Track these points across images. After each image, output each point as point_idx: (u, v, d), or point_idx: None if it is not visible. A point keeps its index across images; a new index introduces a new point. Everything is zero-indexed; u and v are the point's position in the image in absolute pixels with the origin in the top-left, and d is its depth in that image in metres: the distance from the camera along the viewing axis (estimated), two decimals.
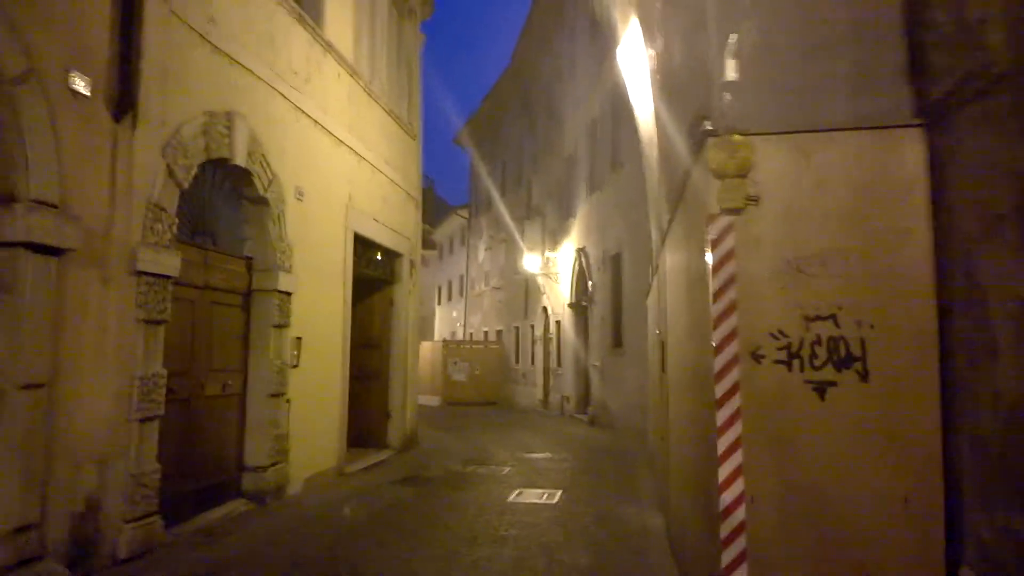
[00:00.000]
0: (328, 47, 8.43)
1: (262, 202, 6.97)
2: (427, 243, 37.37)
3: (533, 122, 23.85)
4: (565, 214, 20.08)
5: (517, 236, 23.08)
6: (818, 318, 3.18)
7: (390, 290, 11.07)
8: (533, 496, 8.30)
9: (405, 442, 11.21)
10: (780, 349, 3.21)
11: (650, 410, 9.74)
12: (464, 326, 30.80)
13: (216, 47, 6.24)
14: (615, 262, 15.72)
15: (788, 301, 3.20)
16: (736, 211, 3.23)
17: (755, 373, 3.22)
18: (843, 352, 3.16)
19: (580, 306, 18.36)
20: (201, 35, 6.05)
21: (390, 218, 10.50)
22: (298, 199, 7.58)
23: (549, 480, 9.32)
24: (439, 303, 36.31)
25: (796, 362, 3.19)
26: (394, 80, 11.02)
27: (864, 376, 3.15)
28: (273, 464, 7.18)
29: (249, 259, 7.12)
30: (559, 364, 20.20)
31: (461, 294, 31.81)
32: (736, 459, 3.18)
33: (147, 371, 5.23)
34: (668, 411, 6.23)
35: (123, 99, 5.04)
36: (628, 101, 13.57)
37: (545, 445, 13.09)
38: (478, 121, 28.31)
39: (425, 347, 27.01)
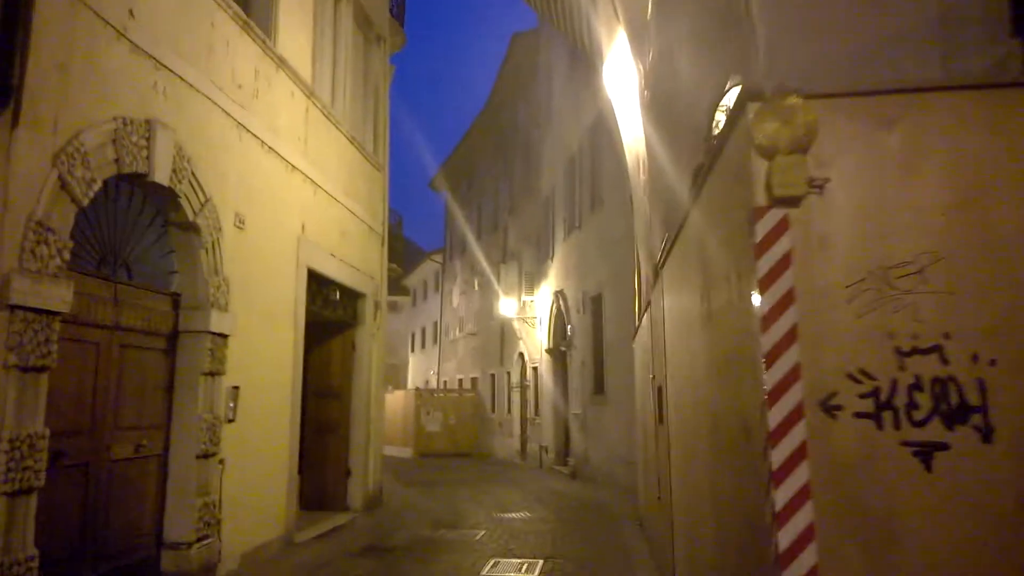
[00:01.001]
0: (281, 63, 7.50)
1: (192, 229, 5.90)
2: (400, 289, 36.23)
3: (509, 165, 23.16)
4: (542, 256, 19.19)
5: (493, 280, 22.12)
6: (917, 351, 2.20)
7: (351, 333, 9.95)
8: (511, 569, 7.11)
9: (368, 502, 9.95)
10: (864, 397, 2.20)
11: (641, 466, 8.66)
12: (438, 374, 29.51)
13: (136, 46, 5.25)
14: (595, 304, 14.77)
15: (872, 327, 2.22)
16: (794, 201, 2.27)
17: (828, 431, 2.21)
18: (955, 400, 2.18)
19: (559, 351, 17.32)
20: (117, 30, 5.07)
21: (351, 254, 9.47)
22: (238, 227, 6.53)
23: (528, 546, 8.14)
24: (412, 351, 35.01)
25: (888, 415, 2.19)
26: (358, 107, 10.13)
27: (986, 435, 2.15)
28: (201, 539, 5.95)
29: (176, 296, 6.01)
30: (537, 413, 19.03)
31: (435, 341, 30.61)
32: (807, 559, 2.15)
33: (19, 431, 4.07)
34: (670, 470, 5.18)
35: None
36: (611, 129, 12.82)
37: (523, 502, 11.87)
38: (453, 165, 27.60)
39: (397, 396, 25.67)
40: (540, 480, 15.51)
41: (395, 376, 35.63)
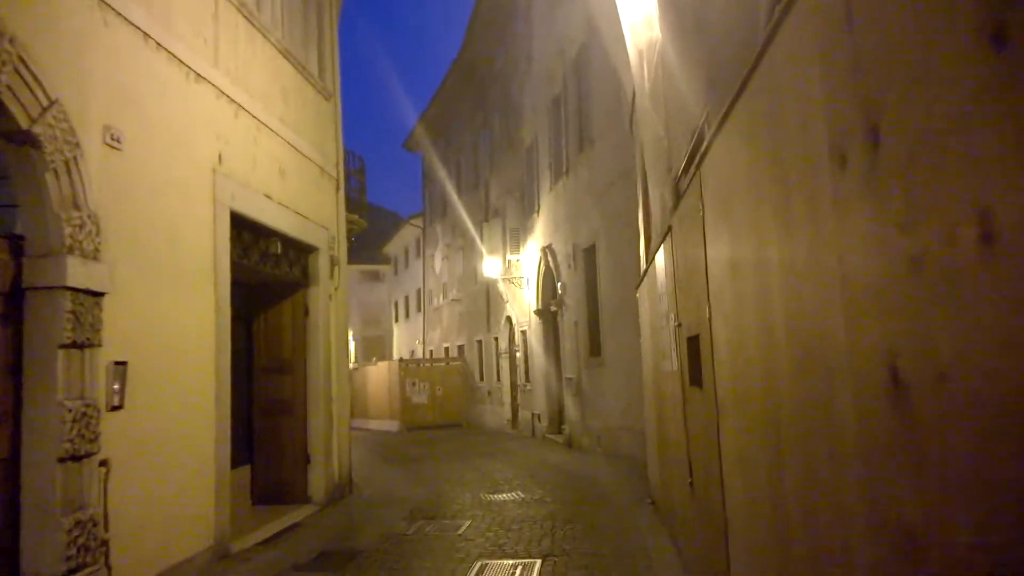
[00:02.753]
0: None
1: (28, 141, 4.10)
2: (381, 257, 34.34)
3: (488, 116, 21.24)
4: (527, 210, 17.42)
5: (477, 240, 20.34)
6: None
7: (303, 295, 8.20)
8: (501, 574, 5.53)
9: (333, 492, 8.31)
10: None
11: (654, 437, 7.04)
12: (424, 343, 27.85)
13: None
14: (588, 256, 13.08)
15: None
16: None
17: None
18: None
19: (548, 312, 15.66)
20: None
21: (296, 199, 7.68)
22: (111, 147, 4.72)
23: (523, 541, 6.54)
24: (396, 320, 33.26)
25: None
26: (298, 21, 8.23)
27: None
28: (75, 570, 4.27)
29: (16, 239, 4.24)
30: (527, 379, 17.44)
31: (419, 309, 28.89)
32: None
33: None
34: (719, 453, 3.54)
35: None
36: (602, 47, 10.95)
37: (516, 479, 10.29)
38: (429, 121, 25.58)
39: (380, 368, 24.02)
40: (533, 451, 13.96)
41: (380, 348, 33.95)
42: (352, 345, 37.81)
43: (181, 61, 5.57)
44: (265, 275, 7.43)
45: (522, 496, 8.88)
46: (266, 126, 7.01)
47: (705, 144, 3.42)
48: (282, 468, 7.95)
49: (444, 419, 21.41)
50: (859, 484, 1.66)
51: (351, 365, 34.92)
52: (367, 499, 8.92)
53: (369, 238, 39.25)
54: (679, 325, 4.75)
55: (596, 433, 12.59)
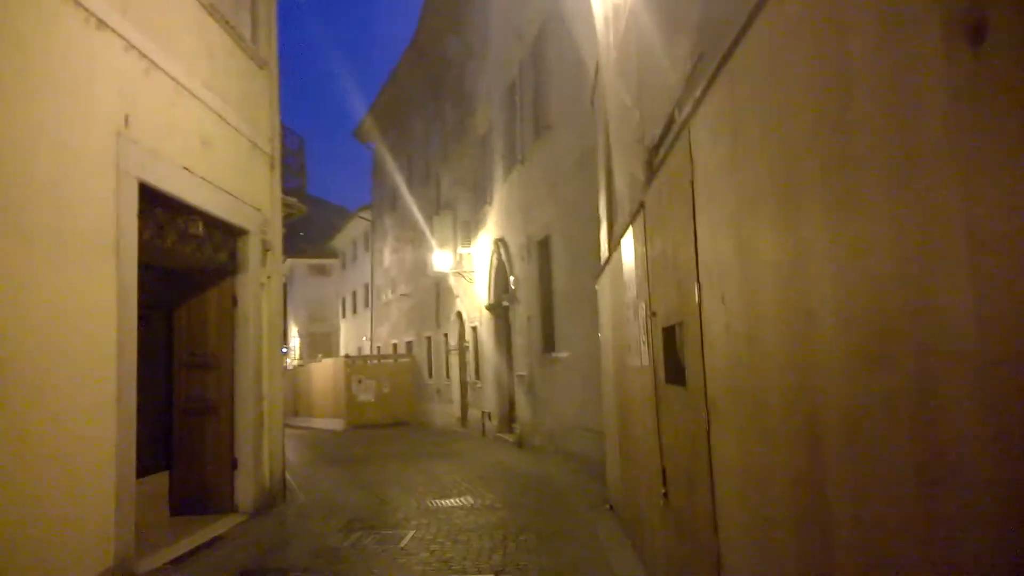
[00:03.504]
0: None
1: None
2: (327, 251, 33.19)
3: (440, 108, 20.46)
4: (480, 202, 16.74)
5: (427, 233, 19.55)
6: None
7: (230, 283, 7.34)
8: None
9: (263, 499, 7.48)
10: None
11: (614, 437, 6.45)
12: (371, 340, 26.90)
13: None
14: (542, 249, 12.48)
15: None
16: None
17: None
18: None
19: (500, 307, 15.02)
20: None
21: (222, 174, 6.83)
22: None
23: (472, 554, 5.87)
24: (344, 316, 32.14)
25: None
26: None
27: None
28: None
29: None
30: (478, 377, 16.78)
31: (367, 305, 27.90)
32: None
33: None
34: (709, 463, 2.94)
35: None
36: (564, 21, 10.37)
37: (465, 482, 9.61)
38: (380, 111, 24.65)
39: (325, 365, 23.03)
40: (483, 451, 13.30)
41: (326, 344, 32.80)
42: (297, 341, 36.50)
43: (78, 1, 4.70)
44: (186, 259, 6.56)
45: (471, 502, 8.21)
46: (186, 89, 6.16)
47: (699, 92, 2.81)
48: (205, 474, 7.09)
49: (391, 418, 20.58)
50: (976, 518, 1.05)
51: (295, 362, 33.73)
52: (302, 506, 8.11)
53: (316, 231, 38.05)
54: (652, 314, 4.16)
55: (549, 432, 12.01)
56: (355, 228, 29.27)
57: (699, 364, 3.01)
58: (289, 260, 36.48)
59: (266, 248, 7.79)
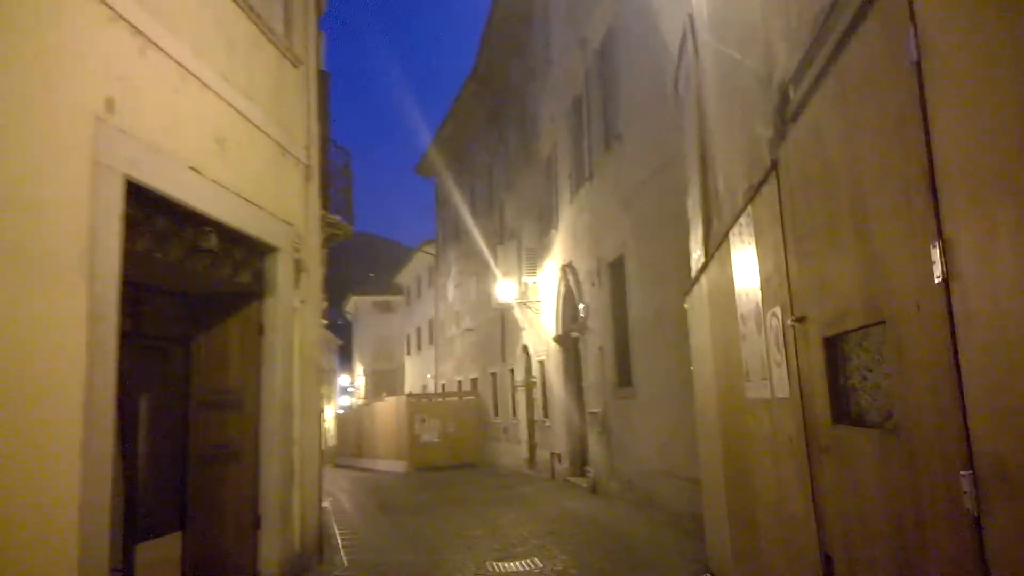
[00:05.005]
0: None
1: None
2: (391, 287, 32.55)
3: (503, 135, 19.53)
4: (545, 228, 15.54)
5: (491, 263, 18.43)
6: None
7: (256, 308, 6.28)
8: None
9: (293, 564, 6.26)
10: None
11: (725, 492, 4.93)
12: (436, 376, 25.83)
13: None
14: (615, 271, 11.11)
15: None
16: None
17: None
18: None
19: (569, 338, 13.64)
20: None
21: (242, 181, 5.82)
22: None
23: None
24: (409, 353, 31.26)
25: None
26: None
27: None
28: None
29: None
30: (546, 415, 15.35)
31: (431, 341, 26.94)
32: None
33: None
34: None
35: None
36: (639, 21, 9.07)
37: (533, 537, 8.17)
38: (442, 143, 23.98)
39: (388, 404, 22.02)
40: (553, 497, 11.81)
41: (392, 382, 31.93)
42: (363, 380, 35.83)
43: None
44: (198, 278, 5.53)
45: (539, 566, 6.78)
46: (195, 77, 5.18)
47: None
48: (223, 535, 5.94)
49: (456, 459, 19.27)
50: None
51: (359, 401, 32.92)
52: (343, 572, 6.84)
53: (382, 269, 37.64)
54: (798, 321, 2.76)
55: (626, 478, 10.46)
56: (419, 263, 28.53)
57: (942, 390, 1.61)
58: (353, 297, 36.17)
59: (300, 268, 6.73)
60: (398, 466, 19.84)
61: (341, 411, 31.13)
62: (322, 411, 8.25)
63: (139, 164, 4.52)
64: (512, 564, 6.89)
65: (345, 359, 38.95)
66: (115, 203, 4.29)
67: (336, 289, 38.43)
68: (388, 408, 21.70)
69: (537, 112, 16.21)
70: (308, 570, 6.42)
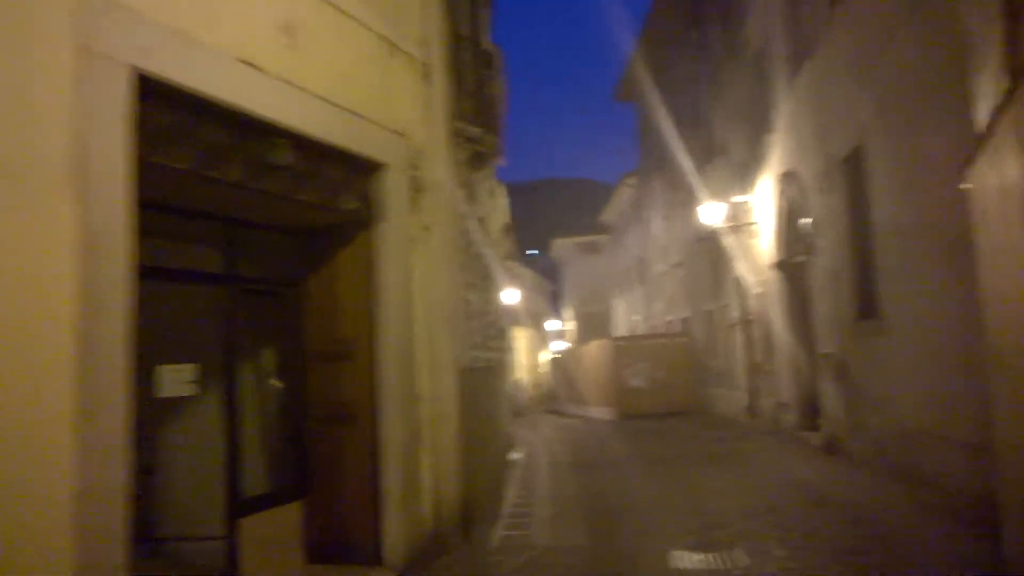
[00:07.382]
0: None
1: None
2: (596, 227, 31.01)
3: (705, 35, 16.83)
4: (757, 134, 12.92)
5: (698, 187, 16.09)
6: None
7: (364, 241, 5.16)
8: None
9: (423, 546, 5.16)
10: None
11: None
12: (648, 317, 24.08)
13: None
14: (851, 169, 8.49)
15: None
16: None
17: None
18: None
19: (792, 264, 11.17)
20: None
21: (326, 82, 4.60)
22: None
23: None
24: (616, 295, 29.71)
25: None
26: None
27: None
28: None
29: None
30: (768, 357, 13.03)
31: (641, 281, 25.13)
32: None
33: None
34: None
35: None
36: None
37: (741, 516, 6.29)
38: (641, 63, 21.66)
39: (592, 348, 20.82)
40: (775, 458, 9.70)
41: (601, 324, 30.74)
42: (573, 324, 35.15)
43: None
44: (273, 202, 4.50)
45: (743, 564, 5.02)
46: None
47: None
48: (343, 508, 5.03)
49: (666, 406, 17.53)
50: None
51: (567, 345, 32.27)
52: (485, 555, 5.64)
53: (585, 209, 36.27)
54: None
55: (875, 438, 8.06)
56: (622, 197, 26.61)
57: None
58: (558, 240, 35.31)
59: (418, 187, 5.49)
60: (605, 413, 18.65)
61: (554, 356, 30.78)
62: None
63: (156, 54, 3.43)
64: (705, 557, 5.21)
65: (555, 303, 38.70)
66: (118, 101, 3.24)
67: (543, 234, 38.10)
68: (594, 352, 20.51)
69: None
70: (445, 552, 5.29)
